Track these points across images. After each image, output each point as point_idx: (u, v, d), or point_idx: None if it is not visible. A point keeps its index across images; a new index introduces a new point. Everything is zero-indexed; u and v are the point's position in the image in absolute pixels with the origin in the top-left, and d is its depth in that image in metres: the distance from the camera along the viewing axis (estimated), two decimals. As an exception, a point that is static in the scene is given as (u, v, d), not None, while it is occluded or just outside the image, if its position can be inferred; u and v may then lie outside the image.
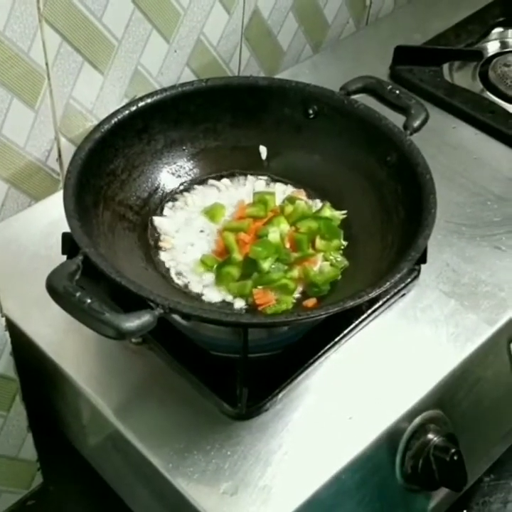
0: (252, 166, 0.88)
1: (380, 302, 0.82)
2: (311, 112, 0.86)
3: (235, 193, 0.86)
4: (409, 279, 0.84)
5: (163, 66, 0.98)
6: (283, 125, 0.87)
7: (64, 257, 0.73)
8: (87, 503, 0.96)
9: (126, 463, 0.80)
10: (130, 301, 0.66)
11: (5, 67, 0.81)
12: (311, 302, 0.75)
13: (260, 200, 0.83)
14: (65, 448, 0.92)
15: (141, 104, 0.82)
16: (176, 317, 0.76)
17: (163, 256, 0.80)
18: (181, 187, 0.86)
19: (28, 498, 0.95)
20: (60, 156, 0.94)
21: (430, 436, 0.78)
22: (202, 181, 0.87)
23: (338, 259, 0.79)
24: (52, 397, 0.89)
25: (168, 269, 0.78)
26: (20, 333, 0.81)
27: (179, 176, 0.86)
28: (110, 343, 0.78)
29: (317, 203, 0.85)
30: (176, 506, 0.73)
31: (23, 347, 0.81)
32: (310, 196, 0.86)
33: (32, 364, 0.83)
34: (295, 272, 0.78)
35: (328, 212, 0.83)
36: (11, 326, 0.80)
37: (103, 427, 0.78)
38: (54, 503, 0.96)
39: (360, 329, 0.81)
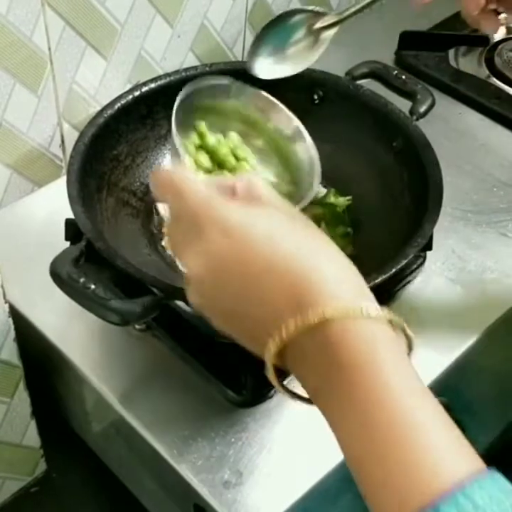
0: (257, 152, 0.87)
1: (386, 289, 0.81)
2: (316, 97, 0.85)
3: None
4: (414, 266, 0.83)
5: (166, 51, 0.98)
6: (289, 110, 0.86)
7: (67, 243, 0.72)
8: (90, 490, 0.96)
9: (130, 450, 0.80)
10: (134, 288, 0.66)
11: (8, 52, 0.81)
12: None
13: None
14: (68, 435, 0.92)
15: (144, 89, 0.82)
16: (180, 303, 0.76)
17: (166, 242, 0.79)
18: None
19: (31, 485, 0.95)
20: (62, 141, 0.94)
21: (435, 423, 0.78)
22: (206, 167, 0.86)
23: (343, 246, 0.79)
24: (55, 384, 0.89)
25: (171, 255, 0.78)
26: (24, 320, 0.80)
27: (183, 162, 0.86)
28: (114, 329, 0.77)
29: (321, 189, 0.84)
30: (180, 493, 0.72)
31: (27, 333, 0.81)
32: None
33: (36, 351, 0.83)
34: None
35: (333, 198, 0.82)
36: (15, 313, 0.80)
37: (107, 414, 0.78)
38: (57, 490, 0.96)
39: (365, 316, 0.80)
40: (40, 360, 0.84)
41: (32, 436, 0.90)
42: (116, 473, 0.89)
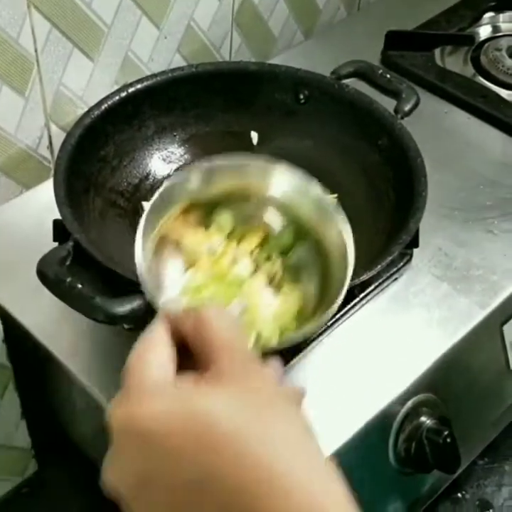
0: (243, 152, 0.88)
1: (372, 286, 0.81)
2: (301, 96, 0.85)
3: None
4: (401, 264, 0.83)
5: (153, 52, 0.98)
6: (274, 110, 0.87)
7: (56, 244, 0.72)
8: (81, 490, 0.96)
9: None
10: (121, 287, 0.66)
11: (-6, 54, 0.81)
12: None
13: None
14: (59, 435, 0.92)
15: (131, 89, 0.82)
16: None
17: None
18: (172, 173, 0.86)
19: (22, 486, 0.95)
20: (50, 143, 0.94)
21: (423, 419, 0.78)
22: (193, 167, 0.87)
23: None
24: (45, 385, 0.89)
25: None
26: (13, 321, 0.80)
27: (170, 162, 0.86)
28: (104, 330, 0.77)
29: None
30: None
31: (16, 334, 0.81)
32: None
33: (25, 352, 0.83)
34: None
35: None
36: (3, 314, 0.80)
37: (96, 414, 0.78)
38: (48, 490, 0.96)
39: (353, 314, 0.81)
40: (29, 361, 0.84)
41: (22, 437, 0.90)
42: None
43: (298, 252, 0.68)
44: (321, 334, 0.78)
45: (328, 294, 0.63)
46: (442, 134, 1.03)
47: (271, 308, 0.66)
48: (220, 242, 0.68)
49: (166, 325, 0.48)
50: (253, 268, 0.68)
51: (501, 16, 1.22)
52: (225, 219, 0.68)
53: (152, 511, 0.42)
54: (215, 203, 0.67)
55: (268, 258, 0.68)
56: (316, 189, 0.65)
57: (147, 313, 0.63)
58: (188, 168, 0.64)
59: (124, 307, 0.62)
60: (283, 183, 0.65)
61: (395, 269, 0.83)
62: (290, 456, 0.41)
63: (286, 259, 0.68)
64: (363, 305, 0.81)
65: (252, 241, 0.68)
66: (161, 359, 0.46)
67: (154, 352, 0.46)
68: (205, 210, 0.67)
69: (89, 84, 0.93)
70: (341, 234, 0.63)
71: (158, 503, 0.41)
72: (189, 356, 0.46)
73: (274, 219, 0.68)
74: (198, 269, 0.66)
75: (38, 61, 0.86)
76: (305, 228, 0.67)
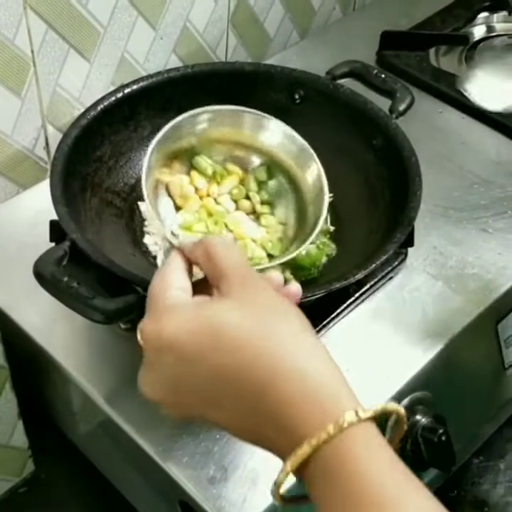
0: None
1: (368, 285, 0.82)
2: (297, 96, 0.86)
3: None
4: (396, 262, 0.84)
5: (149, 53, 0.98)
6: (270, 110, 0.86)
7: (52, 245, 0.73)
8: (78, 490, 0.96)
9: (117, 448, 0.81)
10: (117, 287, 0.67)
11: (-10, 55, 0.81)
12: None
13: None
14: (56, 435, 0.92)
15: (127, 90, 0.82)
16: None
17: (148, 240, 0.80)
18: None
19: (19, 486, 0.95)
20: (47, 144, 0.94)
21: (418, 417, 0.79)
22: (189, 167, 0.87)
23: (325, 243, 0.80)
24: (42, 385, 0.89)
25: (153, 254, 0.79)
26: (10, 321, 0.81)
27: (166, 162, 0.86)
28: (100, 329, 0.78)
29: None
30: (166, 489, 0.73)
31: (13, 335, 0.82)
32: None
33: (22, 352, 0.83)
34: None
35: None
36: (0, 314, 0.81)
37: (94, 413, 0.78)
38: (46, 490, 0.96)
39: (349, 312, 0.81)
40: (26, 361, 0.85)
41: (19, 437, 0.90)
42: (104, 472, 0.89)
43: (272, 186, 0.80)
44: (316, 333, 0.79)
45: (305, 226, 0.74)
46: (437, 134, 1.03)
47: (255, 237, 0.77)
48: (203, 185, 0.78)
49: (180, 256, 0.56)
50: (234, 205, 0.79)
51: (495, 16, 1.23)
52: (205, 164, 0.78)
53: (185, 412, 0.53)
54: (197, 149, 0.78)
55: (246, 195, 0.80)
56: (299, 139, 0.76)
57: (143, 313, 0.64)
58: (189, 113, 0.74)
59: (120, 307, 0.62)
60: (269, 132, 0.78)
61: (390, 268, 0.83)
62: (287, 348, 0.49)
63: (262, 193, 0.80)
64: (358, 304, 0.82)
65: (231, 182, 0.80)
66: (178, 283, 0.54)
67: (171, 277, 0.54)
68: (188, 158, 0.78)
69: (85, 85, 0.93)
70: (318, 178, 0.74)
71: (190, 405, 0.51)
72: (205, 285, 0.55)
73: (253, 161, 0.80)
74: (187, 210, 0.77)
75: (34, 62, 0.86)
76: (279, 166, 0.78)
